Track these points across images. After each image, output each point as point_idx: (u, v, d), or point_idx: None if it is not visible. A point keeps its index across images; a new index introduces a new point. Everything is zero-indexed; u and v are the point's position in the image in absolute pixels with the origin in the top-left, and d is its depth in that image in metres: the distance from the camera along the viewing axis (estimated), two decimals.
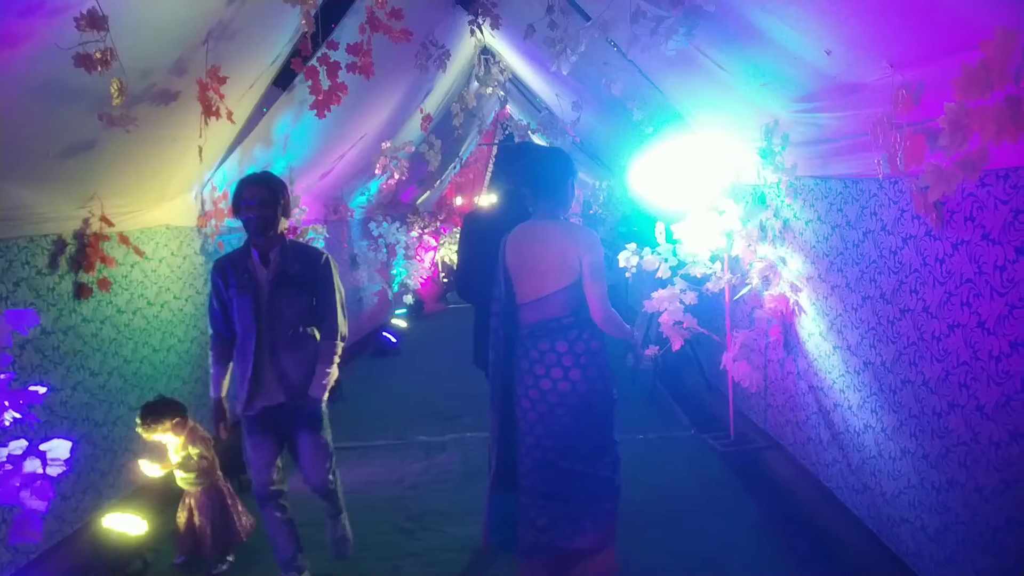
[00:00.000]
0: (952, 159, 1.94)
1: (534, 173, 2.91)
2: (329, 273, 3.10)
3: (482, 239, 3.47)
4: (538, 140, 8.34)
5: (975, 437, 2.36)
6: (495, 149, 14.18)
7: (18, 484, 2.53)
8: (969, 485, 2.41)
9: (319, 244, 6.23)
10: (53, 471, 2.56)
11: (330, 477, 3.24)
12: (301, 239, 5.84)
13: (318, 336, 3.15)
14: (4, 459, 2.44)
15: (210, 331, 3.16)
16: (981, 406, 2.32)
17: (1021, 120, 1.77)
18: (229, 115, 3.42)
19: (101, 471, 3.71)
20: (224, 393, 3.19)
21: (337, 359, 3.14)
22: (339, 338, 3.11)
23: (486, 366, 3.31)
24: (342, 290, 3.16)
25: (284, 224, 3.13)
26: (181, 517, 3.50)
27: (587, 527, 2.81)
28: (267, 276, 3.02)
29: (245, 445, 3.14)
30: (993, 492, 2.29)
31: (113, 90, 2.56)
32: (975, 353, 2.33)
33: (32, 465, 2.56)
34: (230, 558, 3.50)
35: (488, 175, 15.13)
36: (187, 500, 3.49)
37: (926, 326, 2.61)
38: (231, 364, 3.14)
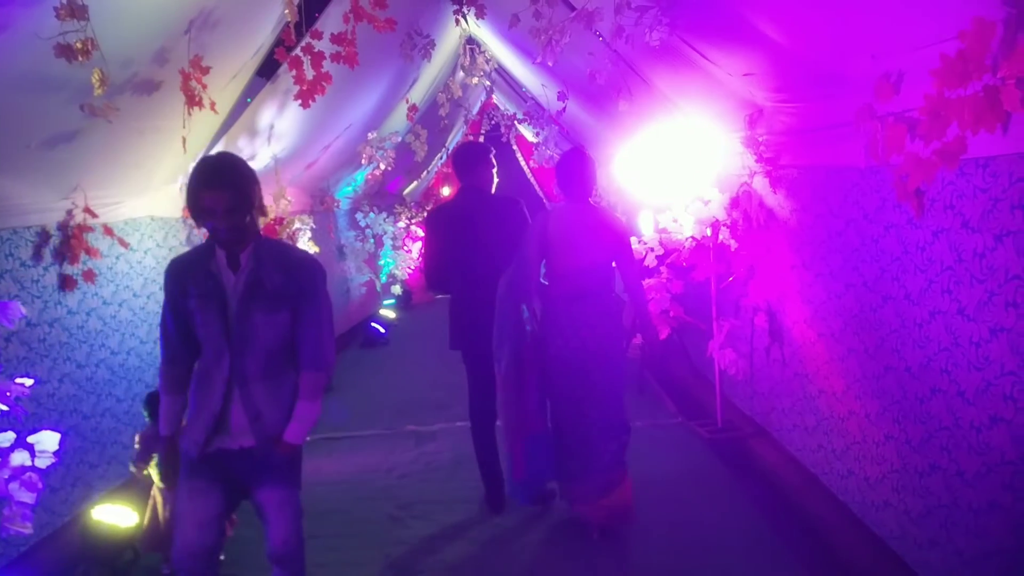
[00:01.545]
0: (931, 148, 1.96)
1: (567, 170, 3.51)
2: (318, 285, 2.47)
3: (453, 230, 3.80)
4: (524, 130, 8.33)
5: (956, 422, 2.40)
6: (482, 139, 14.15)
7: (7, 477, 2.53)
8: (951, 469, 2.45)
9: (305, 235, 6.17)
10: (42, 463, 2.57)
11: (299, 543, 2.59)
12: (287, 230, 5.78)
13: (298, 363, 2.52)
14: None
15: (160, 354, 2.52)
16: (962, 391, 2.36)
17: (998, 109, 1.79)
18: (212, 105, 3.40)
19: (90, 463, 3.70)
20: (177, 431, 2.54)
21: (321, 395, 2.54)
22: (327, 368, 2.51)
23: (463, 347, 3.87)
24: (331, 307, 2.58)
25: (263, 222, 2.58)
26: (153, 516, 3.31)
27: (616, 460, 3.47)
28: (236, 284, 2.37)
29: (180, 492, 2.46)
30: (975, 476, 2.33)
31: (95, 80, 2.54)
32: (956, 339, 2.36)
33: (20, 457, 2.56)
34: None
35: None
36: (165, 497, 3.35)
37: (908, 313, 2.64)
38: (187, 394, 2.50)
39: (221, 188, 2.27)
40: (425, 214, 12.15)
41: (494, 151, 3.98)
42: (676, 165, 4.40)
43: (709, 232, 4.41)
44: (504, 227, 3.72)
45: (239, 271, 2.38)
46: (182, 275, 2.41)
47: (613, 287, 3.52)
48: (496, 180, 3.98)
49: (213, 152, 4.67)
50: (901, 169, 2.13)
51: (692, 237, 4.45)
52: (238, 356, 2.37)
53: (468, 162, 3.90)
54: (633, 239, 4.66)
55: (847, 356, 3.19)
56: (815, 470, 3.65)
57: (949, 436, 2.44)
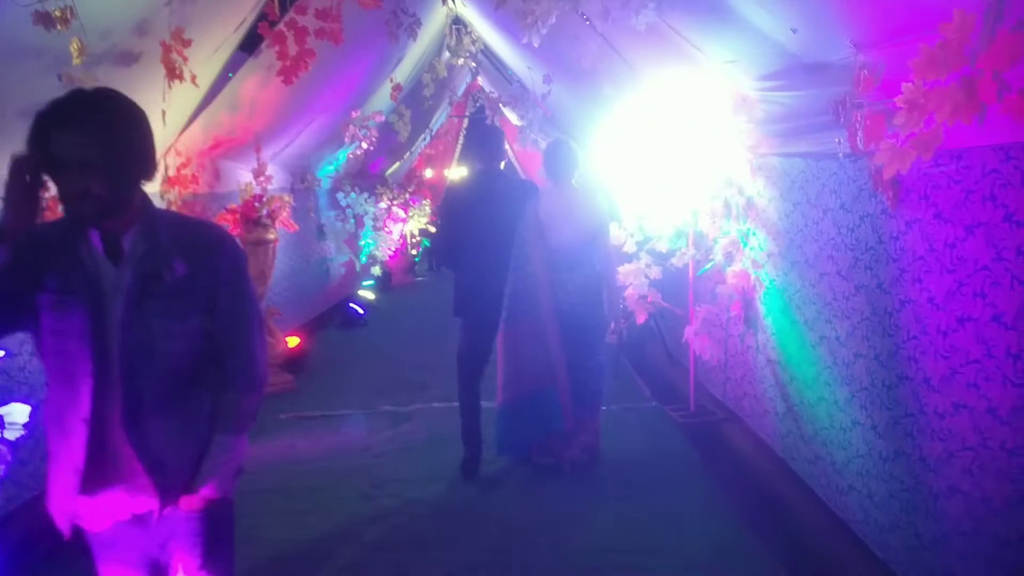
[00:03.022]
0: (907, 138, 2.00)
1: (553, 158, 4.10)
2: (238, 267, 1.81)
3: (472, 208, 4.10)
4: (508, 113, 8.32)
5: (921, 408, 2.45)
6: (465, 122, 14.09)
7: None
8: (914, 455, 2.51)
9: (285, 215, 6.00)
10: (11, 435, 2.55)
11: None
12: (267, 208, 5.68)
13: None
14: None
15: None
16: (928, 379, 2.41)
17: (975, 101, 1.82)
18: (193, 79, 3.36)
19: None
20: None
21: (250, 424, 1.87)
22: (259, 386, 1.86)
23: (469, 314, 4.13)
24: (257, 300, 1.93)
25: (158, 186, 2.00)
26: None
27: (594, 397, 4.15)
28: (119, 278, 1.66)
29: None
30: (937, 461, 2.39)
31: (73, 49, 2.51)
32: (924, 328, 2.41)
33: None
34: None
35: (458, 148, 15.03)
36: None
37: (879, 302, 2.69)
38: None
39: (79, 127, 1.52)
40: (407, 196, 12.11)
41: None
42: (657, 151, 4.41)
43: (689, 218, 4.44)
44: (521, 208, 4.03)
45: (122, 260, 1.66)
46: (37, 258, 1.62)
47: (595, 259, 4.09)
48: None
49: (194, 127, 4.61)
50: (878, 159, 2.16)
51: (672, 223, 4.48)
52: (123, 381, 1.65)
53: (491, 143, 4.24)
54: (614, 224, 4.69)
55: (819, 344, 3.24)
56: (784, 455, 3.71)
57: (914, 422, 2.50)
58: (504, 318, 3.97)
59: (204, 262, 1.74)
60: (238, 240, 1.95)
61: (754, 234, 3.97)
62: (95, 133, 1.53)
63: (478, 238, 4.06)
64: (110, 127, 1.56)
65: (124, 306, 1.65)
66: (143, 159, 1.66)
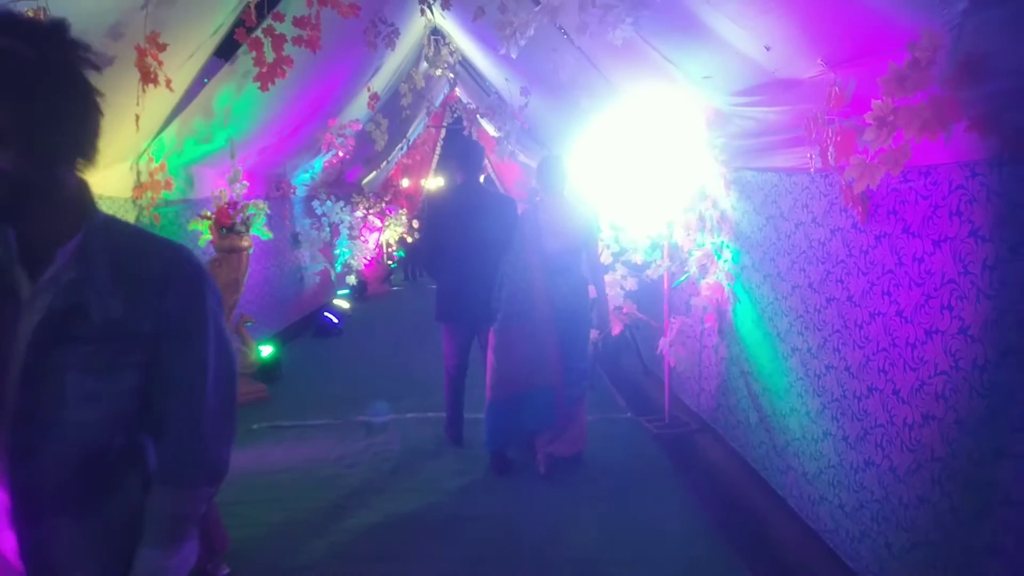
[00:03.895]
0: (877, 154, 2.04)
1: (547, 172, 4.27)
2: (197, 305, 1.26)
3: (455, 219, 4.33)
4: (486, 124, 8.35)
5: (891, 419, 2.49)
6: (443, 133, 14.12)
7: None
8: (884, 465, 2.55)
9: (259, 223, 5.86)
10: None
11: None
12: (242, 214, 5.55)
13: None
14: None
15: None
16: (897, 390, 2.45)
17: (942, 119, 1.87)
18: (168, 83, 3.33)
19: None
20: None
21: (193, 527, 1.29)
22: (209, 477, 1.29)
23: (452, 320, 4.46)
24: (228, 342, 1.33)
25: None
26: None
27: (576, 402, 4.22)
28: (30, 306, 1.16)
29: None
30: (906, 472, 2.42)
31: None
32: (893, 340, 2.45)
33: None
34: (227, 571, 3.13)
35: (436, 158, 15.04)
36: None
37: (849, 314, 2.73)
38: None
39: None
40: (383, 205, 12.08)
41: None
42: (634, 164, 4.46)
43: (664, 231, 4.48)
44: (500, 221, 4.28)
45: (42, 279, 1.17)
46: None
47: (581, 267, 4.24)
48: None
49: (168, 132, 4.57)
50: (849, 174, 2.21)
51: (647, 235, 4.52)
52: (21, 458, 1.14)
53: (473, 157, 4.47)
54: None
55: (791, 355, 3.28)
56: (756, 466, 3.75)
57: (884, 433, 2.54)
58: (499, 319, 4.16)
59: (149, 296, 1.21)
60: (204, 265, 1.39)
61: (728, 247, 4.02)
62: (14, 96, 1.08)
63: (459, 247, 4.30)
64: (35, 88, 1.10)
65: (27, 352, 1.14)
66: (78, 132, 1.17)
